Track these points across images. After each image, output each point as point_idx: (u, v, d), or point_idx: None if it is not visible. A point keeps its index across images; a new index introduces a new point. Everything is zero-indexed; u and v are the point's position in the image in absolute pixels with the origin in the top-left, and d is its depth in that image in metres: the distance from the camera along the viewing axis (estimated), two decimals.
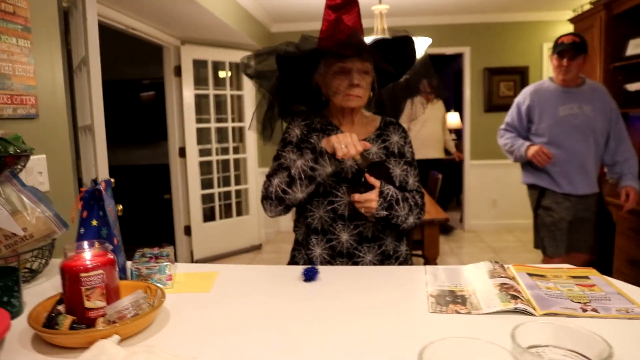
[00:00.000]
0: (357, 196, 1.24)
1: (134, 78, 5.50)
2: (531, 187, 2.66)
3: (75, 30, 2.20)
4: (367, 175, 1.25)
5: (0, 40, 1.36)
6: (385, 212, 1.25)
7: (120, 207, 2.01)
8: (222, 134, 4.69)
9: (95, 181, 1.06)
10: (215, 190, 4.54)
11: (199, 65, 4.36)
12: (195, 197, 4.32)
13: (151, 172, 5.25)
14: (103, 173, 2.04)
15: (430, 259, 2.76)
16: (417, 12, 4.80)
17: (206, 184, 4.49)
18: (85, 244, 0.86)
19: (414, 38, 1.33)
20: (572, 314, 0.86)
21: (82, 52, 2.13)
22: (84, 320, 0.81)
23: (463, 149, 5.46)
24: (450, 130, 6.96)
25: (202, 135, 4.44)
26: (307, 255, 1.37)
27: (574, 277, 1.05)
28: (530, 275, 1.06)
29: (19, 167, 1.11)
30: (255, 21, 4.57)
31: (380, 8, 3.26)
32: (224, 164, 4.71)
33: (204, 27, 3.84)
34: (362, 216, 1.29)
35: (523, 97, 2.61)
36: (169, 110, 4.23)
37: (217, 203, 4.56)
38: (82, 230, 0.99)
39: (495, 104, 5.04)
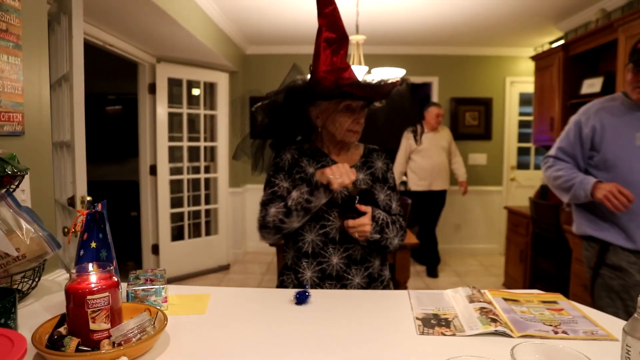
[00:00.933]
0: (351, 222, 1.31)
1: (101, 92, 5.42)
2: (588, 238, 2.00)
3: (56, 45, 2.20)
4: (357, 205, 1.33)
5: None
6: (378, 235, 1.35)
7: None
8: (193, 152, 4.67)
9: (92, 203, 1.08)
10: (185, 209, 4.50)
11: (174, 84, 4.37)
12: (165, 215, 4.26)
13: (118, 189, 5.14)
14: (82, 190, 2.03)
15: (401, 283, 2.84)
16: (389, 42, 5.00)
17: (176, 202, 4.45)
18: (90, 266, 0.88)
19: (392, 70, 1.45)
20: (546, 336, 0.94)
21: (64, 68, 2.13)
22: (89, 342, 0.82)
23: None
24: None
25: (174, 154, 4.42)
26: (296, 279, 1.42)
27: (544, 301, 1.15)
28: (506, 299, 1.15)
29: (14, 186, 1.11)
30: (231, 43, 4.63)
31: (358, 38, 3.40)
32: (195, 183, 4.68)
33: (181, 46, 3.87)
34: (352, 239, 1.36)
35: (586, 116, 1.94)
36: (141, 128, 4.19)
37: (186, 222, 4.51)
38: (81, 252, 1.00)
39: (461, 133, 5.27)
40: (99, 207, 1.07)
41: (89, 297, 0.83)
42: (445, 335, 0.96)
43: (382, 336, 0.95)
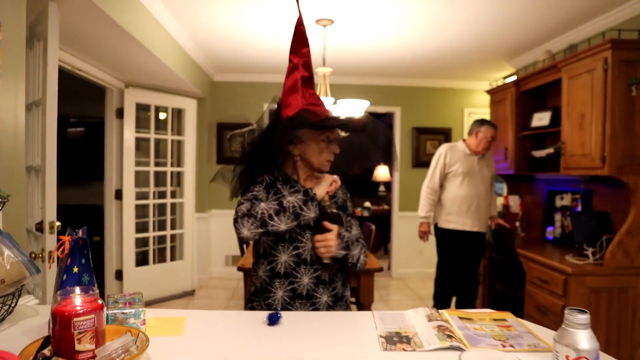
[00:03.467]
0: (319, 236, 1.42)
1: (62, 115, 5.35)
2: None
3: (28, 70, 2.22)
4: (324, 222, 1.45)
5: None
6: (343, 252, 1.45)
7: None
8: (160, 177, 4.66)
9: (73, 229, 1.12)
10: (151, 234, 4.46)
11: (141, 109, 4.39)
12: (130, 240, 4.21)
13: (80, 213, 5.04)
14: (51, 216, 2.03)
15: (365, 306, 2.93)
16: (354, 72, 5.22)
17: (141, 227, 4.41)
18: (77, 289, 0.93)
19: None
20: (495, 349, 1.05)
21: (35, 93, 2.15)
22: None
23: (391, 201, 5.82)
24: (384, 183, 7.13)
25: (140, 178, 4.40)
26: (264, 301, 1.48)
27: (495, 319, 1.27)
28: (461, 318, 1.26)
29: None
30: (199, 70, 4.71)
31: (324, 70, 3.56)
32: (160, 208, 4.66)
33: (150, 72, 3.92)
34: (321, 260, 1.46)
35: None
36: (107, 152, 4.17)
37: (151, 247, 4.47)
38: (64, 277, 1.04)
39: (422, 161, 5.50)
40: (80, 232, 1.12)
41: (75, 319, 0.88)
42: (406, 350, 1.05)
43: (349, 353, 1.04)
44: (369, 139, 1.62)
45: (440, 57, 4.46)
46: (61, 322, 0.88)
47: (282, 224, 1.38)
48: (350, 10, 3.24)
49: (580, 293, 2.79)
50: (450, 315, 1.28)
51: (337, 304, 1.52)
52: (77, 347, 0.88)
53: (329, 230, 1.44)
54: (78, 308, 0.90)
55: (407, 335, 1.14)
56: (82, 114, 5.80)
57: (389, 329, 1.19)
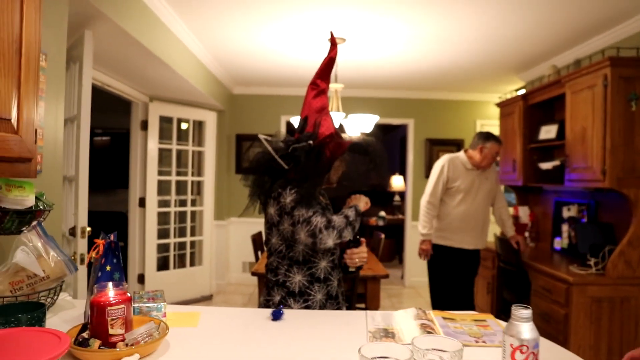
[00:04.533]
0: (355, 249, 1.66)
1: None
2: None
3: (65, 89, 2.45)
4: (362, 239, 1.68)
5: None
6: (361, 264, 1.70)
7: (94, 254, 2.20)
8: (181, 186, 4.90)
9: (106, 234, 1.31)
10: (171, 240, 4.69)
11: (164, 121, 4.64)
12: (152, 246, 4.44)
13: (105, 219, 5.31)
14: (83, 221, 2.24)
15: (372, 310, 3.07)
16: (367, 86, 5.40)
17: (162, 233, 4.64)
18: (110, 284, 1.11)
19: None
20: (469, 344, 1.19)
21: (72, 110, 2.38)
22: (107, 344, 1.05)
23: (405, 210, 5.94)
24: (399, 193, 7.22)
25: (162, 187, 4.64)
26: (301, 304, 1.61)
27: (475, 320, 1.41)
28: (445, 318, 1.41)
29: (42, 218, 1.34)
30: (219, 83, 4.95)
31: (337, 86, 3.73)
32: (181, 216, 4.89)
33: (173, 88, 4.17)
34: (346, 269, 1.69)
35: None
36: (132, 161, 4.43)
37: (172, 253, 4.69)
38: (99, 274, 1.23)
39: None
40: (112, 237, 1.31)
41: (109, 308, 1.06)
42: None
43: (339, 344, 1.20)
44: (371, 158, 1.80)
45: (451, 71, 4.60)
46: (97, 310, 1.06)
47: (349, 235, 1.58)
48: (361, 29, 3.41)
49: (581, 302, 2.88)
50: (435, 316, 1.43)
51: (327, 302, 1.71)
52: (110, 331, 1.06)
53: (359, 243, 1.66)
54: (111, 299, 1.08)
55: (392, 332, 1.29)
56: (107, 125, 6.11)
57: (377, 326, 1.34)
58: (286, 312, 1.42)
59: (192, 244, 5.00)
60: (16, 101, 1.12)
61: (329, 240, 1.51)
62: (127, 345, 1.06)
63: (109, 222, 5.17)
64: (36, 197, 1.29)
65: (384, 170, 1.76)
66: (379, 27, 3.36)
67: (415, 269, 5.75)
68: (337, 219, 1.54)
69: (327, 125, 1.63)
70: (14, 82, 1.11)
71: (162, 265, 4.67)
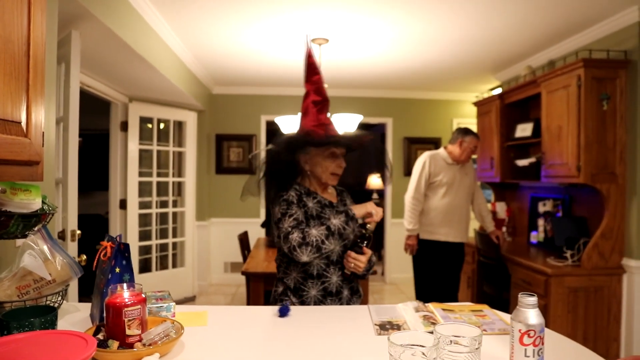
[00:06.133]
0: (353, 255, 1.64)
1: None
2: None
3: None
4: (364, 248, 1.67)
5: None
6: (365, 273, 1.70)
7: (84, 257, 2.18)
8: (162, 187, 4.85)
9: (112, 237, 1.32)
10: (153, 242, 4.63)
11: (145, 121, 4.58)
12: (133, 248, 4.38)
13: (82, 223, 5.18)
14: (72, 224, 2.21)
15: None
16: (348, 85, 5.46)
17: (143, 235, 4.58)
18: (124, 285, 1.12)
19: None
20: None
21: (59, 112, 2.34)
22: (125, 344, 1.06)
23: (384, 208, 6.03)
24: (377, 191, 7.32)
25: (143, 188, 4.58)
26: (298, 299, 1.66)
27: (473, 310, 1.47)
28: (444, 309, 1.47)
29: (46, 221, 1.33)
30: (199, 83, 4.92)
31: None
32: (162, 217, 4.84)
33: (153, 87, 4.12)
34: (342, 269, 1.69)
35: None
36: (112, 163, 4.35)
37: (154, 254, 4.64)
38: (109, 276, 1.23)
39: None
40: (118, 239, 1.32)
41: (125, 309, 1.07)
42: None
43: (348, 337, 1.24)
44: (364, 154, 1.84)
45: (430, 71, 4.70)
46: (114, 311, 1.08)
47: (332, 245, 1.59)
48: (344, 30, 3.46)
49: (560, 293, 3.01)
50: (435, 308, 1.49)
51: (353, 296, 1.74)
52: (128, 332, 1.07)
53: (364, 251, 1.66)
54: (127, 300, 1.09)
55: (397, 324, 1.35)
56: (82, 126, 5.97)
57: (382, 318, 1.40)
58: (292, 308, 1.46)
59: (174, 245, 4.96)
60: (25, 104, 1.11)
61: (303, 257, 1.57)
62: (144, 345, 1.07)
63: (87, 225, 5.05)
64: (42, 201, 1.29)
65: (384, 166, 1.82)
66: (361, 28, 3.42)
67: (396, 265, 5.85)
68: (315, 233, 1.58)
69: (305, 125, 1.71)
70: (24, 85, 1.11)
71: (144, 267, 4.62)
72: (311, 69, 1.75)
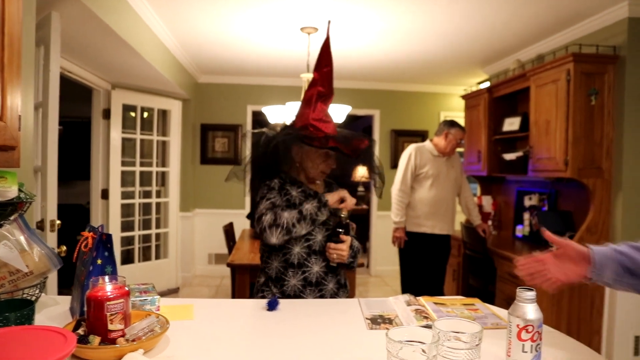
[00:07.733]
0: (333, 245, 1.60)
1: None
2: None
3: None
4: (341, 236, 1.61)
5: None
6: (352, 260, 1.66)
7: (64, 247, 2.11)
8: (145, 177, 4.75)
9: (94, 227, 1.26)
10: (136, 232, 4.54)
11: (128, 109, 4.47)
12: (116, 239, 4.28)
13: (62, 213, 5.06)
14: (52, 214, 2.13)
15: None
16: (336, 77, 5.34)
17: (126, 226, 4.49)
18: (106, 278, 1.07)
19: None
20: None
21: (37, 97, 2.24)
22: (107, 340, 1.01)
23: (370, 201, 6.02)
24: (363, 183, 7.31)
25: (126, 178, 4.48)
26: (279, 289, 1.63)
27: (465, 304, 1.45)
28: (436, 303, 1.45)
29: (23, 210, 1.26)
30: (185, 71, 4.81)
31: (308, 76, 3.72)
32: (146, 207, 4.74)
33: (136, 74, 4.01)
34: (328, 262, 1.64)
35: None
36: (94, 152, 4.24)
37: (136, 245, 4.55)
38: (90, 268, 1.17)
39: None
40: (100, 229, 1.26)
41: (107, 302, 1.02)
42: (388, 329, 1.23)
43: (340, 332, 1.21)
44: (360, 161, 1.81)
45: (419, 64, 4.67)
46: (95, 305, 1.02)
47: (302, 230, 1.58)
48: (334, 19, 3.40)
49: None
50: (426, 302, 1.46)
51: (340, 290, 1.70)
52: (110, 326, 1.02)
53: (342, 239, 1.62)
54: (109, 293, 1.04)
55: (389, 317, 1.32)
56: (62, 113, 5.81)
57: (373, 312, 1.37)
58: (281, 302, 1.42)
59: (157, 236, 4.87)
60: (0, 85, 1.05)
61: (272, 239, 1.56)
62: (127, 340, 1.02)
63: (67, 215, 4.93)
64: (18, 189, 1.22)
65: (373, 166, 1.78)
66: (351, 18, 3.36)
67: (381, 258, 5.86)
68: (286, 216, 1.57)
69: (304, 116, 1.68)
70: None
71: (127, 258, 4.52)
72: (325, 57, 1.72)
